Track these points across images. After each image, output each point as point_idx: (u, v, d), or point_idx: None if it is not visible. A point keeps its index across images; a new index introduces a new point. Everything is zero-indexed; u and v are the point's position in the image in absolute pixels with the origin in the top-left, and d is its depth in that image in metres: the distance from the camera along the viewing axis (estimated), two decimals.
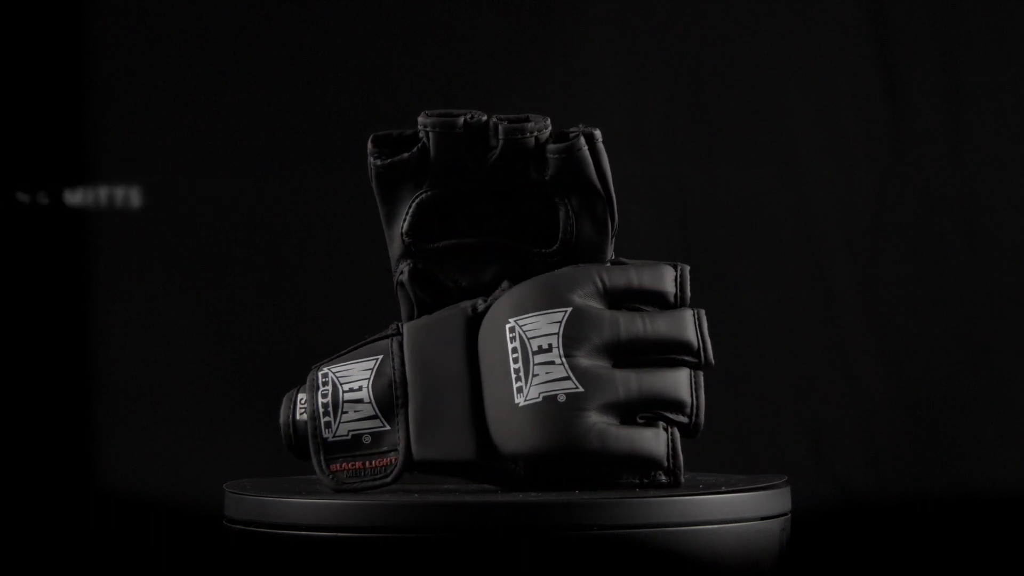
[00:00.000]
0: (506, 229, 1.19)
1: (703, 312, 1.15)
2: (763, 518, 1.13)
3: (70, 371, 1.97)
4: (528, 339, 1.13)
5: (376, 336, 1.19)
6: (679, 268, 1.16)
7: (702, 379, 1.14)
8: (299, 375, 1.20)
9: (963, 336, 2.06)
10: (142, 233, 1.99)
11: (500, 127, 1.16)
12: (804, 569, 1.67)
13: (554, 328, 1.13)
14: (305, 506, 1.10)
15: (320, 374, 1.18)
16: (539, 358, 1.13)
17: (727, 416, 2.00)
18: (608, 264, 1.17)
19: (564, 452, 1.12)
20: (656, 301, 1.15)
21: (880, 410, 2.04)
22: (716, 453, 1.97)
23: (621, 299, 1.15)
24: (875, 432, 2.03)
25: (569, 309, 1.14)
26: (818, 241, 2.06)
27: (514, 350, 1.13)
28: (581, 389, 1.12)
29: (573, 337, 1.13)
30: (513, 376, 1.13)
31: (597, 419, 1.12)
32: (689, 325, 1.15)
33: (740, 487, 1.13)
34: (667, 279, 1.16)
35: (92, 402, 1.97)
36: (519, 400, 1.12)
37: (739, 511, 1.12)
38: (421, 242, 1.20)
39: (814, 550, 1.89)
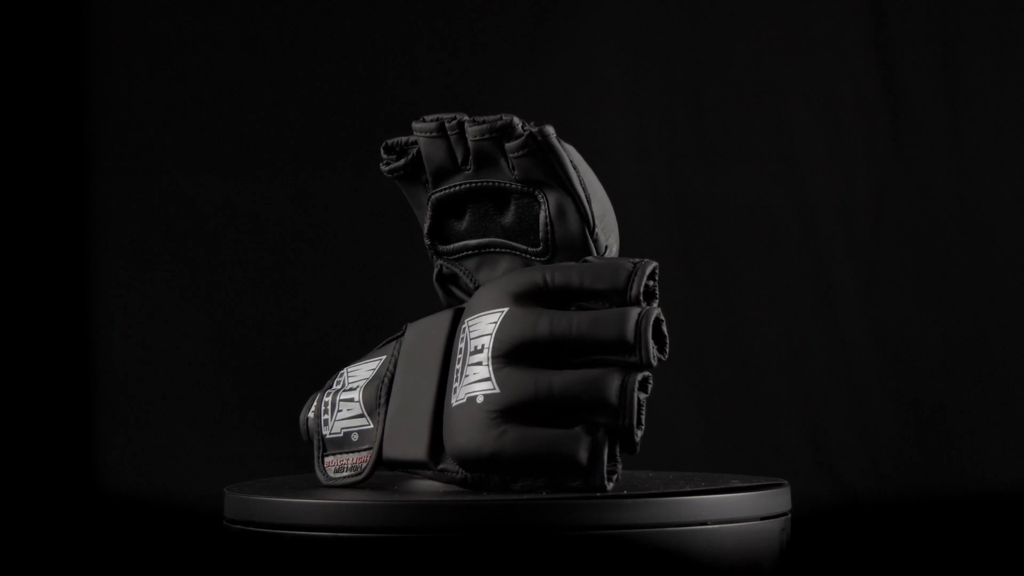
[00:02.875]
0: (507, 229, 1.19)
1: (654, 311, 1.09)
2: (763, 518, 1.13)
3: (70, 371, 1.97)
4: (469, 340, 1.13)
5: (391, 337, 1.20)
6: (637, 265, 1.11)
7: (637, 380, 1.08)
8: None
9: (963, 336, 2.06)
10: (142, 233, 1.99)
11: (468, 129, 1.16)
12: (804, 569, 1.67)
13: (490, 329, 1.12)
14: (305, 506, 1.10)
15: (338, 374, 1.20)
16: (472, 359, 1.12)
17: (727, 416, 2.00)
18: (581, 262, 1.15)
19: (478, 452, 1.10)
20: (605, 299, 1.11)
21: (880, 410, 2.04)
22: (716, 453, 1.97)
23: (566, 298, 1.12)
24: (875, 432, 2.03)
25: (506, 310, 1.12)
26: (818, 241, 2.06)
27: (460, 351, 1.13)
28: (498, 390, 1.10)
29: (503, 338, 1.11)
30: (453, 377, 1.13)
31: (510, 420, 1.09)
32: (628, 324, 1.08)
33: (691, 488, 1.13)
34: (619, 277, 1.11)
35: (92, 402, 1.97)
36: (452, 401, 1.12)
37: (739, 511, 1.12)
38: (437, 244, 1.21)
39: (814, 550, 1.89)
